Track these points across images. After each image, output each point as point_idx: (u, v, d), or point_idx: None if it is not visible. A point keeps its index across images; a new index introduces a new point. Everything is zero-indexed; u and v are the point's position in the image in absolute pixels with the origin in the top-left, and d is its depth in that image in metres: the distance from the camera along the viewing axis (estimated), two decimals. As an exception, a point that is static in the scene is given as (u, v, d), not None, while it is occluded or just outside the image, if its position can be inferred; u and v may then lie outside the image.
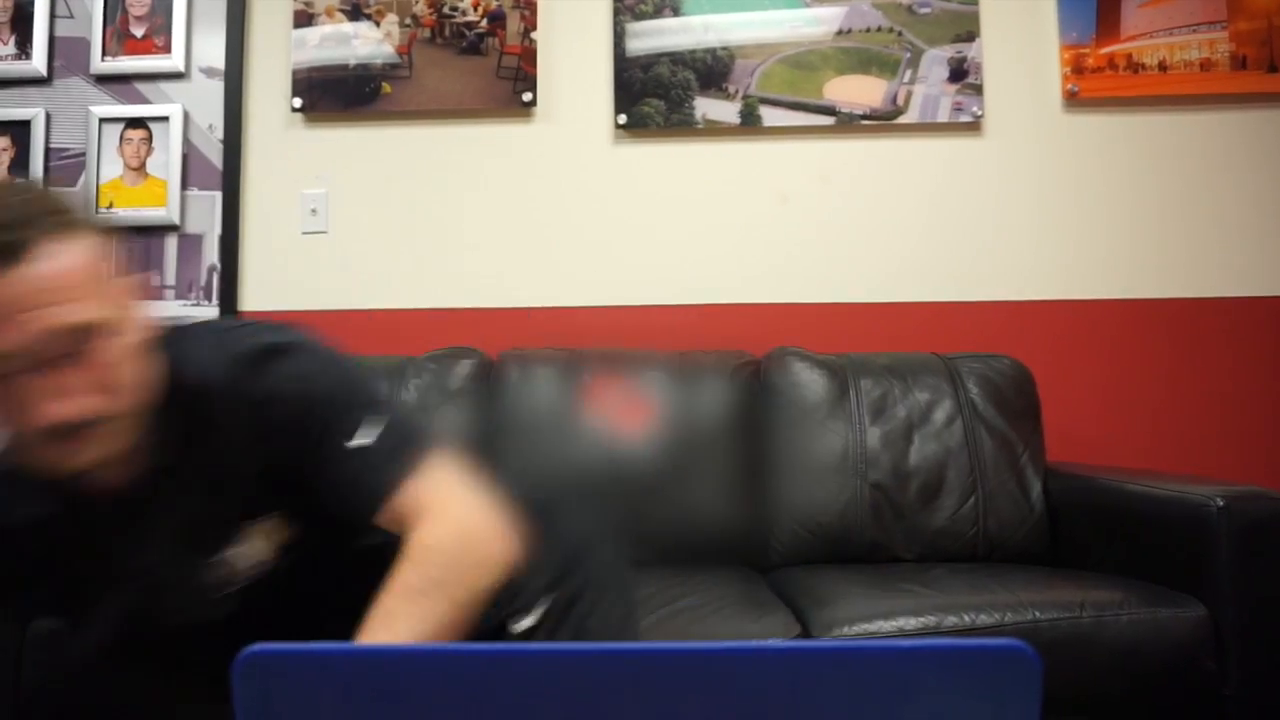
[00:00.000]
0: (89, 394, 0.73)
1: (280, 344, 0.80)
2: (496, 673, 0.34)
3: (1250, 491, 1.39)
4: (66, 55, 2.25)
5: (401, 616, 0.68)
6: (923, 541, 1.74)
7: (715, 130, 2.18)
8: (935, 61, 2.16)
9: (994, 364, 1.90)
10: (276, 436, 0.77)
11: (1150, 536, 1.50)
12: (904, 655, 0.34)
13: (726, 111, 2.17)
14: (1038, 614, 1.33)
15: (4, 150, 2.23)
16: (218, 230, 2.21)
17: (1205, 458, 2.08)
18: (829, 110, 2.17)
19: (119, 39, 2.25)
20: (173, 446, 0.79)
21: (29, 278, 0.70)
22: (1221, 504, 1.36)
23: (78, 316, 0.72)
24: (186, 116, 2.22)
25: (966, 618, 1.34)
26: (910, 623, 1.33)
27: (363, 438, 0.75)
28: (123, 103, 2.24)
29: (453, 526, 0.73)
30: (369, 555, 0.73)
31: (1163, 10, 2.16)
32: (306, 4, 2.22)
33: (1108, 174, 2.17)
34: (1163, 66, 2.15)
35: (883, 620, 1.34)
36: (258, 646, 0.36)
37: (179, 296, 2.21)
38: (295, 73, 2.20)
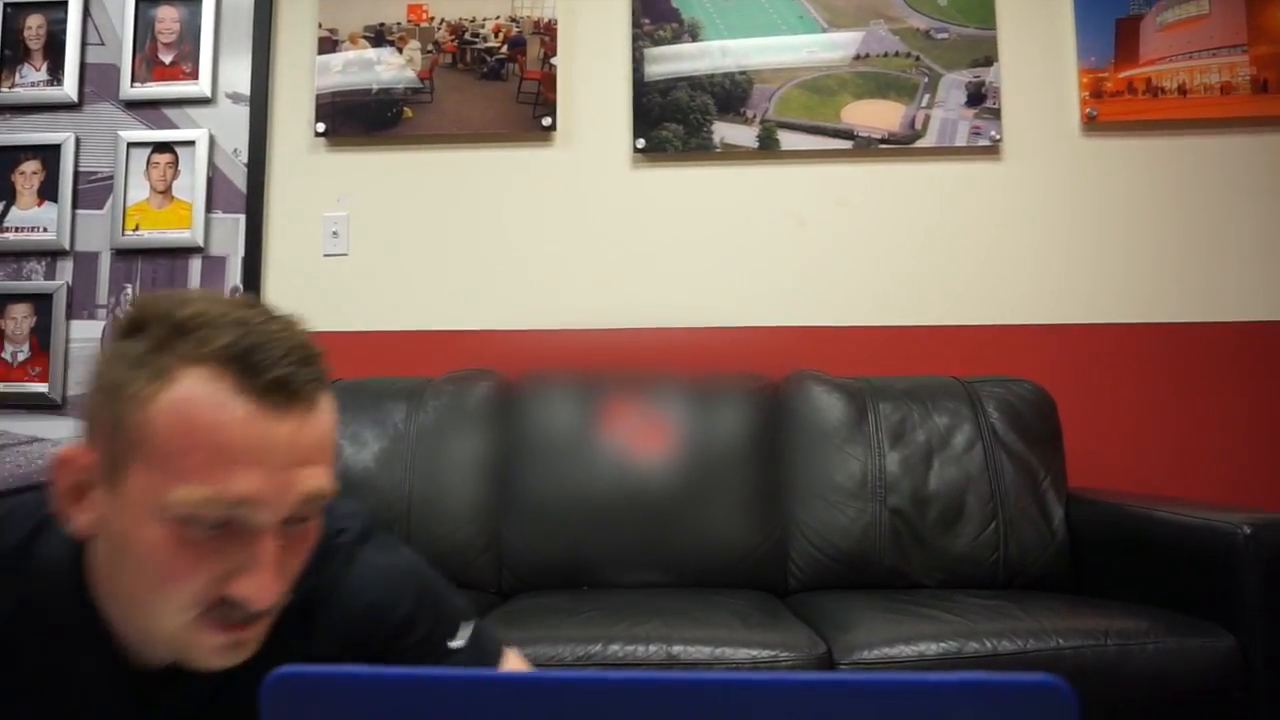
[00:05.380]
0: (285, 578, 0.60)
1: (380, 547, 0.74)
2: (526, 699, 0.34)
3: (1278, 519, 1.37)
4: (97, 81, 2.30)
5: None
6: (943, 567, 1.72)
7: (733, 154, 2.20)
8: (953, 86, 2.17)
9: (1014, 388, 1.89)
10: (372, 642, 0.70)
11: (1176, 564, 1.48)
12: (933, 689, 0.34)
13: (744, 135, 2.18)
14: (1061, 641, 1.31)
15: (35, 174, 2.27)
16: (241, 252, 2.24)
17: (1231, 484, 2.05)
18: (847, 134, 2.18)
19: (148, 65, 2.29)
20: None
21: (317, 428, 0.60)
22: (1249, 531, 1.34)
23: (325, 482, 0.60)
24: (212, 141, 2.26)
25: (989, 644, 1.32)
26: (932, 648, 1.32)
27: (460, 639, 0.74)
28: (150, 127, 2.28)
29: None
30: None
31: (1182, 34, 2.16)
32: (331, 30, 2.26)
33: (1126, 198, 2.16)
34: (1182, 90, 2.15)
35: (904, 645, 1.33)
36: (287, 668, 0.36)
37: (202, 318, 2.23)
38: (319, 98, 2.24)
